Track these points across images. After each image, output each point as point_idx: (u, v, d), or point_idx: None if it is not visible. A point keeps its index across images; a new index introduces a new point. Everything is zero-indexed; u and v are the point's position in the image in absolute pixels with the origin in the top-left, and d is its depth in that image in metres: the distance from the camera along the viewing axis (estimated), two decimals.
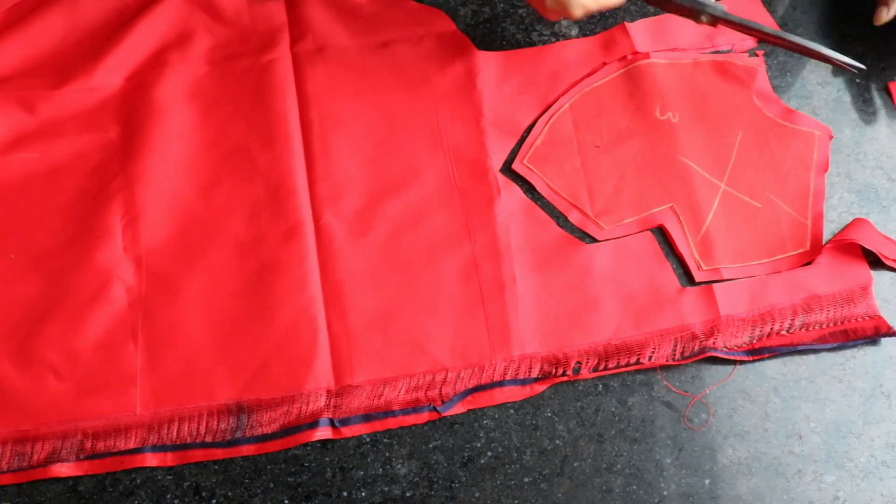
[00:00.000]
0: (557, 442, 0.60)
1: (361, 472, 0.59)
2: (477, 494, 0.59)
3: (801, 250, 0.66)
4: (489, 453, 0.60)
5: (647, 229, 0.67)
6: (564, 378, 0.62)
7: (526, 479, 0.59)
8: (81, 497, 0.58)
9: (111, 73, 0.71)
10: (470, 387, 0.61)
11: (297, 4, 0.74)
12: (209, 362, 0.61)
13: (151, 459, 0.59)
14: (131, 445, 0.59)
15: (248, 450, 0.59)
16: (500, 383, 0.61)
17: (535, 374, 0.62)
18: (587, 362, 0.62)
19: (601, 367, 0.62)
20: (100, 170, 0.68)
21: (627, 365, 0.62)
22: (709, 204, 0.68)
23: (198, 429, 0.59)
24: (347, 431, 0.60)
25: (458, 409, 0.61)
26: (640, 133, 0.70)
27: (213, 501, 0.58)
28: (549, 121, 0.70)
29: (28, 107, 0.69)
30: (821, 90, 0.73)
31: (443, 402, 0.61)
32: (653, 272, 0.65)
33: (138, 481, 0.58)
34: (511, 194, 0.67)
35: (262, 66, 0.71)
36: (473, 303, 0.63)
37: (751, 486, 0.59)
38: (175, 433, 0.59)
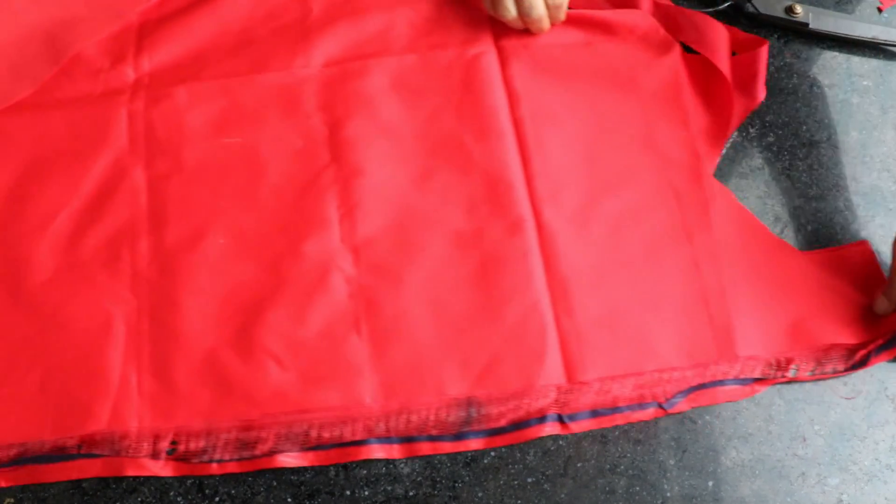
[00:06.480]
0: (561, 442, 0.60)
1: (364, 471, 0.59)
2: (480, 494, 0.59)
3: None
4: (492, 453, 0.60)
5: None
6: (783, 380, 0.61)
7: (529, 480, 0.59)
8: (84, 493, 0.58)
9: (311, 61, 0.70)
10: (693, 385, 0.61)
11: None
12: (436, 356, 0.60)
13: (378, 451, 0.58)
14: (357, 437, 0.58)
15: (476, 444, 0.59)
16: (722, 382, 0.61)
17: (756, 374, 0.61)
18: (804, 366, 0.62)
19: (817, 371, 0.62)
20: (304, 156, 0.67)
21: (834, 372, 0.62)
22: None
23: (426, 422, 0.59)
24: (575, 427, 0.59)
25: (682, 406, 0.60)
26: None
27: (216, 499, 0.58)
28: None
29: (228, 92, 0.69)
30: (828, 92, 0.73)
31: (666, 399, 0.60)
32: (867, 287, 0.64)
33: (141, 478, 0.58)
34: (724, 199, 0.67)
35: (468, 59, 0.70)
36: (696, 304, 0.62)
37: (754, 488, 0.59)
38: (403, 425, 0.59)
